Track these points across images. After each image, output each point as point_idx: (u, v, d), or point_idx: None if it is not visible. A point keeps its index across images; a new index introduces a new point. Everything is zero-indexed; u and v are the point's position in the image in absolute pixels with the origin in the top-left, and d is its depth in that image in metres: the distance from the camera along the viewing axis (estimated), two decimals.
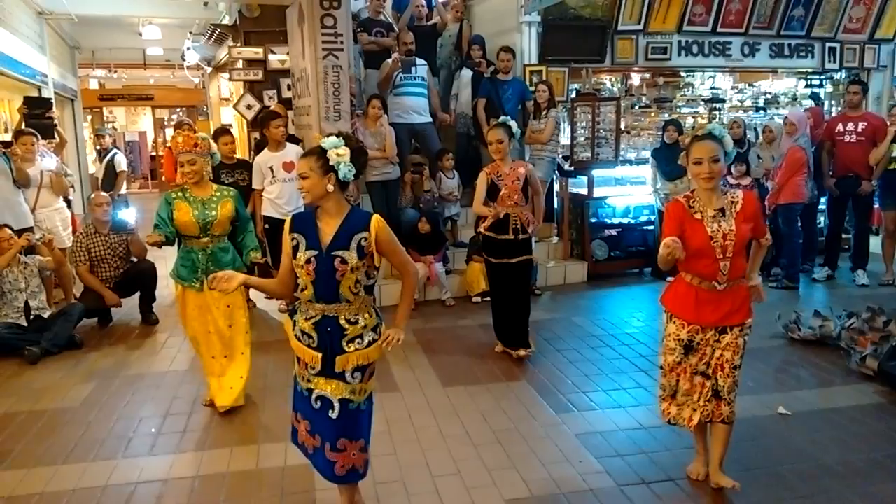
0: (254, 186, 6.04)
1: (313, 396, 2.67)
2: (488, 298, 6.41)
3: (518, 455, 3.54)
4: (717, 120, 8.88)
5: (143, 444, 3.78)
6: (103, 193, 6.45)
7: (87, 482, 3.37)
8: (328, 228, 2.61)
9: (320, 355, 2.63)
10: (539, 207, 5.05)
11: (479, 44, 7.54)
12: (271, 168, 5.92)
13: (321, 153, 2.53)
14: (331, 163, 2.52)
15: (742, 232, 2.94)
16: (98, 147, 8.95)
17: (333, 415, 2.63)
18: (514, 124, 4.83)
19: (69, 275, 6.12)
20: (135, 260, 6.01)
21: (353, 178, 2.58)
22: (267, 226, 6.04)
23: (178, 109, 20.51)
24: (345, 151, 2.53)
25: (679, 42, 8.11)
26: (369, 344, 2.64)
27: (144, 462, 3.57)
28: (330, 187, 2.55)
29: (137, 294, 6.04)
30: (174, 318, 6.16)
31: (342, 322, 2.62)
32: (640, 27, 7.84)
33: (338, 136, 2.57)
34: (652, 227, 7.39)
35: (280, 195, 5.95)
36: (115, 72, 17.36)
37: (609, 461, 3.46)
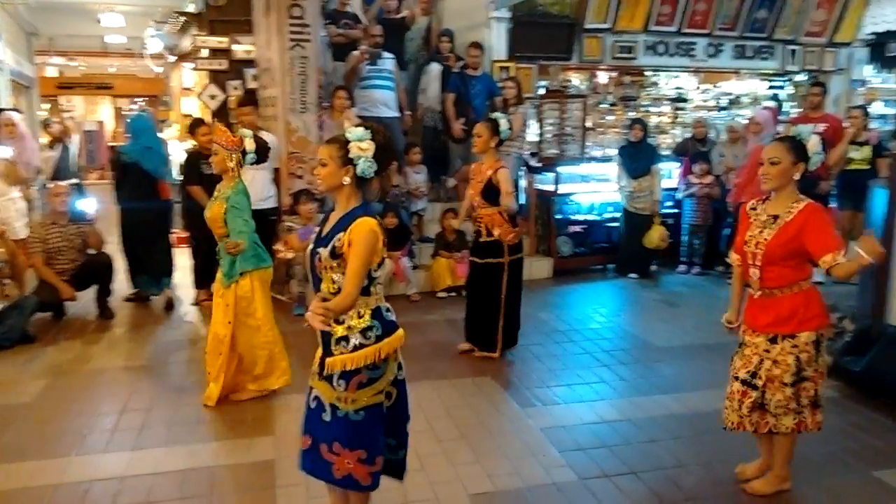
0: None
1: (311, 395, 2.57)
2: (454, 294, 6.47)
3: (482, 450, 3.55)
4: (680, 119, 9.04)
5: (99, 440, 3.69)
6: (62, 183, 6.28)
7: (39, 480, 3.27)
8: (330, 223, 2.51)
9: (319, 354, 2.55)
10: (506, 207, 4.67)
11: (448, 36, 7.51)
12: None
13: (344, 143, 2.42)
14: (350, 155, 2.39)
15: (772, 244, 2.87)
16: (48, 138, 8.70)
17: (326, 417, 2.50)
18: (504, 122, 4.63)
19: (23, 267, 5.94)
20: (92, 252, 5.85)
21: (373, 174, 2.44)
22: None
23: (139, 99, 20.09)
24: (368, 146, 2.38)
25: (645, 42, 8.22)
26: (355, 348, 2.42)
27: (100, 459, 3.48)
28: (346, 180, 2.42)
29: (94, 287, 5.89)
30: (131, 312, 6.06)
31: (332, 320, 2.49)
32: (608, 26, 7.92)
33: (366, 128, 2.43)
34: (616, 224, 7.47)
35: (251, 183, 5.84)
36: (74, 59, 16.91)
37: (572, 455, 3.49)
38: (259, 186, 5.87)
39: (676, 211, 7.58)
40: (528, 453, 3.52)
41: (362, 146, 2.39)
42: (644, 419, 3.90)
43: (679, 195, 7.46)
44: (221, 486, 3.24)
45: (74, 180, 8.34)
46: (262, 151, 4.14)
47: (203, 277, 6.23)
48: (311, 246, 2.54)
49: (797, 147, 2.88)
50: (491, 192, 4.65)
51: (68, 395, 4.29)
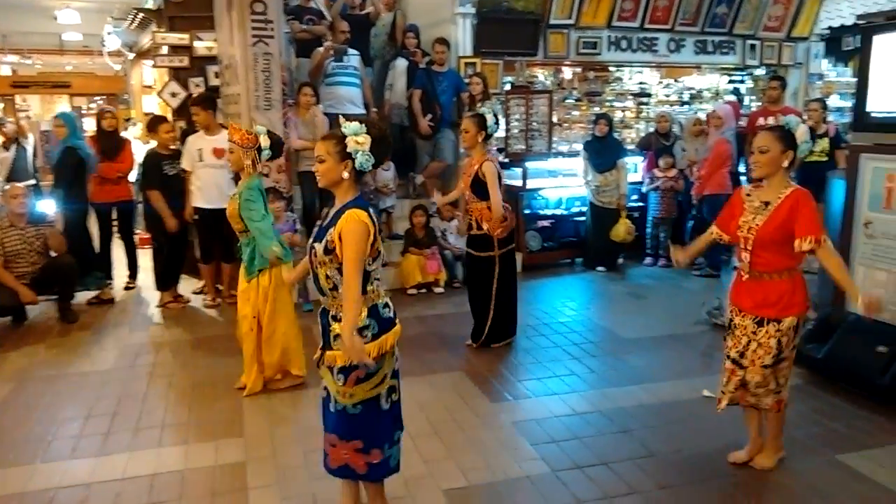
0: (183, 166, 5.85)
1: (322, 385, 2.65)
2: (424, 290, 6.47)
3: (454, 445, 3.55)
4: (643, 114, 9.15)
5: (64, 446, 3.61)
6: (19, 185, 6.12)
7: (2, 489, 3.19)
8: (329, 218, 2.54)
9: (321, 346, 2.60)
10: (492, 203, 4.69)
11: (413, 31, 7.49)
12: (200, 151, 5.73)
13: (340, 139, 2.45)
14: (348, 150, 2.43)
15: (763, 230, 2.98)
16: (2, 138, 8.47)
17: (332, 408, 2.59)
18: (490, 116, 4.70)
19: None
20: (53, 255, 5.71)
21: (370, 167, 2.49)
22: (197, 217, 5.86)
23: (98, 98, 19.66)
24: (365, 140, 2.43)
25: (609, 37, 8.27)
26: None
27: (66, 466, 3.41)
28: (345, 174, 2.46)
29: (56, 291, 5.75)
30: (94, 315, 5.93)
31: (330, 317, 2.56)
32: (572, 22, 7.96)
33: (361, 122, 2.47)
34: (583, 219, 7.53)
35: (209, 183, 5.77)
36: (30, 58, 16.48)
37: (544, 448, 3.52)
38: (218, 185, 5.79)
39: (642, 204, 7.68)
40: (501, 447, 3.54)
41: (359, 140, 2.43)
42: (615, 410, 3.94)
43: (644, 189, 7.56)
44: (192, 489, 3.19)
45: (32, 181, 8.15)
46: (277, 147, 4.17)
47: (165, 280, 6.13)
48: (309, 241, 2.59)
49: (786, 136, 2.99)
50: (479, 186, 4.72)
51: (31, 401, 4.18)
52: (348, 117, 2.96)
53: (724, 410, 3.28)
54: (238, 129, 4.07)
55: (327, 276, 2.49)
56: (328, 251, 2.44)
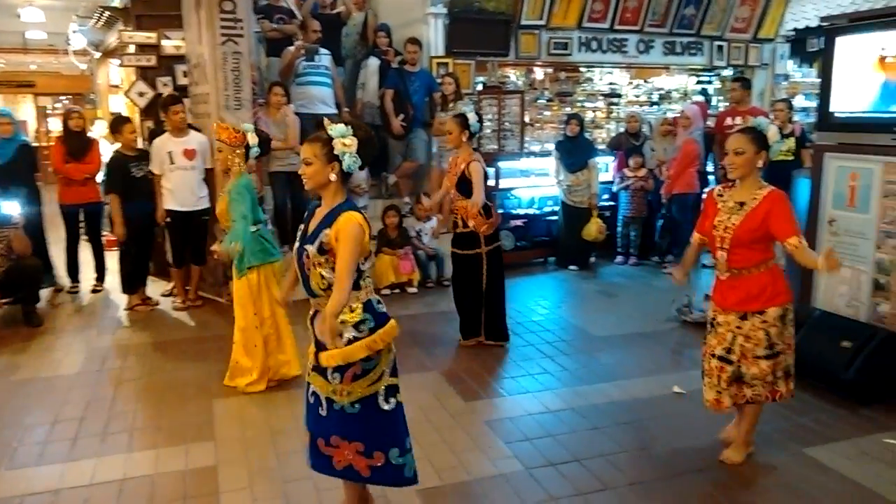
0: (151, 170, 5.76)
1: (310, 390, 2.63)
2: (397, 290, 6.46)
3: (428, 444, 3.55)
4: (614, 114, 9.24)
5: (30, 453, 3.53)
6: None
7: None
8: (316, 219, 2.54)
9: (314, 350, 2.58)
10: (472, 202, 4.73)
11: (385, 31, 7.48)
12: (170, 153, 5.65)
13: (327, 141, 2.45)
14: (335, 152, 2.44)
15: (740, 229, 3.05)
16: None
17: (322, 412, 2.56)
18: (472, 116, 4.77)
19: None
20: (17, 258, 5.58)
21: (358, 169, 2.50)
22: (169, 219, 5.77)
23: (63, 97, 19.29)
24: (351, 142, 2.43)
25: (579, 38, 8.34)
26: (349, 342, 2.45)
27: (32, 473, 3.34)
28: (332, 176, 2.47)
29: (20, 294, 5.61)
30: (59, 319, 5.82)
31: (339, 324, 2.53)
32: (543, 22, 8.01)
33: (347, 124, 2.47)
34: (556, 218, 7.58)
35: (180, 185, 5.69)
36: None
37: (517, 446, 3.53)
38: (190, 187, 5.72)
39: (613, 204, 7.75)
40: (475, 446, 3.54)
41: (346, 142, 2.43)
42: (587, 407, 3.98)
43: (615, 188, 7.63)
44: (162, 494, 3.14)
45: None
46: (265, 144, 4.19)
47: (132, 282, 6.02)
48: (296, 244, 2.57)
49: (759, 137, 3.07)
50: (464, 185, 4.76)
51: None
52: (319, 116, 3.01)
53: (710, 407, 3.33)
54: (226, 128, 4.05)
55: (322, 277, 2.48)
56: (323, 251, 2.45)
